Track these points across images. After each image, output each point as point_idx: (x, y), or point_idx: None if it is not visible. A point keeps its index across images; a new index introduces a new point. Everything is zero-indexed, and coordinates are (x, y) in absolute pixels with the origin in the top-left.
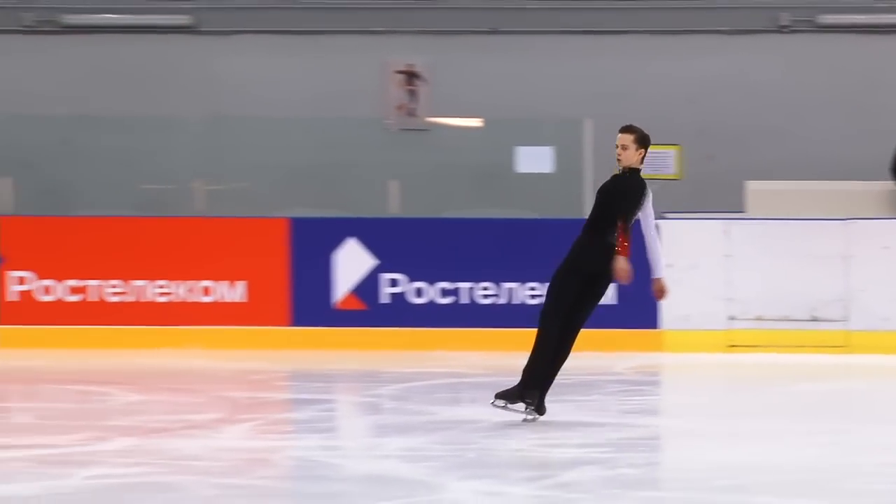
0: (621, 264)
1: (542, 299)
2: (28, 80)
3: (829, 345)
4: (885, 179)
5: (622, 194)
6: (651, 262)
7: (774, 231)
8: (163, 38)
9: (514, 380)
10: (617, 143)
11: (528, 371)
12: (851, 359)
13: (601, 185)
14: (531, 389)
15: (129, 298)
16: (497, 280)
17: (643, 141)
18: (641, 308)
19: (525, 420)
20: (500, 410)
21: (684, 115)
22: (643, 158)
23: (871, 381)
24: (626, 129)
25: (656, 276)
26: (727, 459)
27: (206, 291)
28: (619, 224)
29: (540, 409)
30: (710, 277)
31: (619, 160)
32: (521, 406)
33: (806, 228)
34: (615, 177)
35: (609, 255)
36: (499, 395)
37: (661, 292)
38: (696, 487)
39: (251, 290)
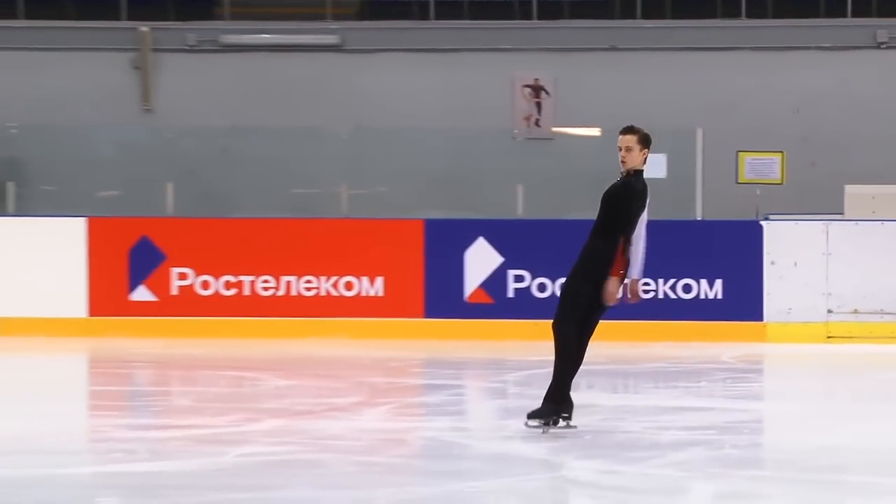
0: (612, 287)
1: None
2: (190, 94)
3: None
4: None
5: (630, 198)
6: (631, 262)
7: (870, 231)
8: (312, 55)
9: (622, 367)
10: (620, 145)
11: (558, 384)
12: None
13: (607, 188)
14: (563, 403)
15: (279, 293)
16: None
17: (646, 141)
18: (746, 302)
19: (543, 432)
20: (531, 429)
21: (788, 125)
22: (646, 159)
23: None
24: (629, 131)
25: (633, 278)
26: (825, 441)
27: (349, 286)
28: (621, 237)
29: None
30: (811, 274)
31: (623, 162)
32: (561, 422)
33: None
34: (621, 181)
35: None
36: (532, 415)
37: (635, 295)
38: (795, 467)
39: (388, 284)
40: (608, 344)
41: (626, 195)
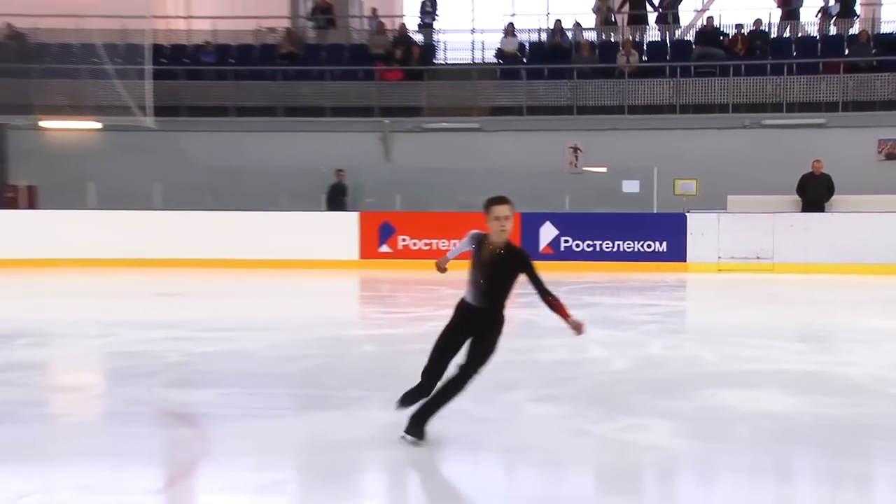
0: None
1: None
2: (410, 154)
3: (762, 270)
4: (793, 194)
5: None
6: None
7: (740, 218)
8: (466, 133)
9: (617, 284)
10: (499, 214)
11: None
12: (774, 277)
13: (518, 255)
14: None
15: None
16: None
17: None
18: (678, 253)
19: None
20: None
21: (701, 165)
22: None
23: (791, 289)
24: (505, 200)
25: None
26: (719, 321)
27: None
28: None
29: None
30: (710, 238)
31: (503, 231)
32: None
33: (752, 218)
34: (512, 247)
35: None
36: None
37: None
38: (705, 334)
39: None
40: (609, 273)
41: (527, 259)
